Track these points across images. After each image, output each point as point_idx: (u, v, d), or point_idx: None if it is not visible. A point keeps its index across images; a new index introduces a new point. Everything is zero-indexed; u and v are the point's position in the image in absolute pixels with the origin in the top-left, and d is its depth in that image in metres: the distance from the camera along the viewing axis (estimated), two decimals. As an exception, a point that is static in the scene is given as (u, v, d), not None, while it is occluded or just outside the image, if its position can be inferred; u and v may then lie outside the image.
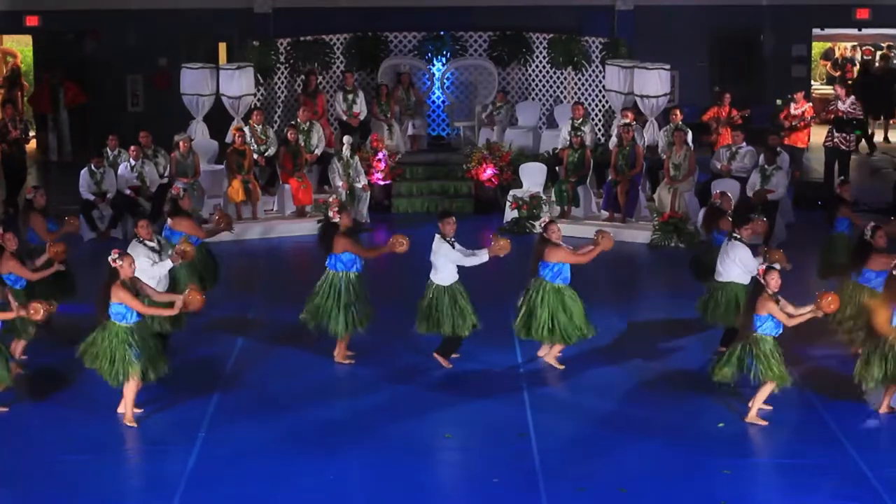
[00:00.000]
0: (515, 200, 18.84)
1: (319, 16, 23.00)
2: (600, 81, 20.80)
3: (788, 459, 10.75)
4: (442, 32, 22.10)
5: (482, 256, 12.54)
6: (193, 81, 20.00)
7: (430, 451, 11.00)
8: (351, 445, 10.99)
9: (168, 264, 12.39)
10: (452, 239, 12.60)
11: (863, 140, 24.01)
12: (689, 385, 12.40)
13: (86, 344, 11.33)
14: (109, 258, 11.20)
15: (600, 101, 20.97)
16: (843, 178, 17.03)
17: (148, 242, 12.70)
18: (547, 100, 21.91)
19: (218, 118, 20.18)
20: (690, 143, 18.80)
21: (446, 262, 12.56)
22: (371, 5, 23.28)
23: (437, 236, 12.63)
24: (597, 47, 21.07)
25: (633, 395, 12.25)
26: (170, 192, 15.00)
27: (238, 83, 19.93)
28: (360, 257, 12.82)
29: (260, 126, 19.65)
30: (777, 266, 11.48)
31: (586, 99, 21.01)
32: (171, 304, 11.36)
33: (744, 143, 18.84)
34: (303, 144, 19.46)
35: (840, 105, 20.65)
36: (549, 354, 12.89)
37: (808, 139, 22.27)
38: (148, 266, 12.25)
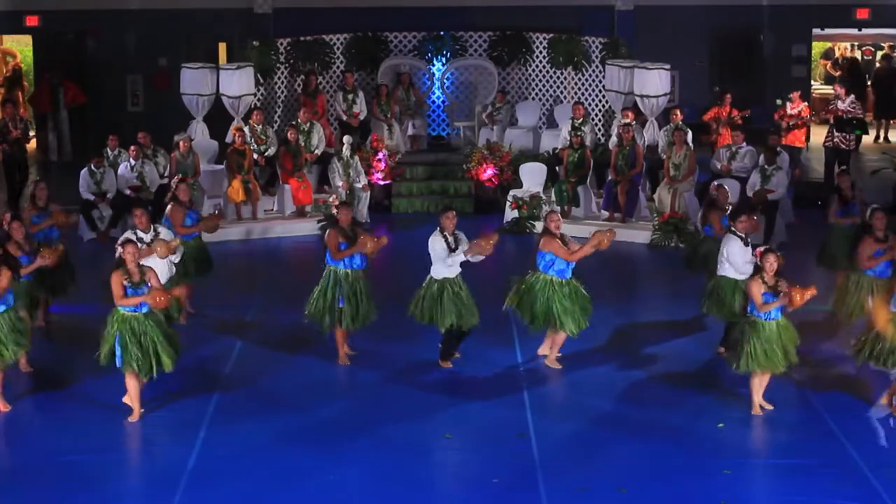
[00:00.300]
0: (515, 200, 18.85)
1: (319, 16, 22.99)
2: (600, 81, 20.80)
3: (788, 459, 10.75)
4: (442, 32, 22.10)
5: (457, 257, 12.53)
6: (193, 81, 20.01)
7: (430, 451, 11.00)
8: (351, 445, 10.99)
9: (153, 257, 12.31)
10: (455, 233, 12.55)
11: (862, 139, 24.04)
12: (688, 385, 12.40)
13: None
14: (117, 244, 11.38)
15: (600, 101, 20.97)
16: (843, 168, 17.05)
17: (140, 233, 12.68)
18: (547, 100, 21.91)
19: (218, 118, 20.18)
20: (690, 143, 18.81)
21: (434, 256, 12.61)
22: (371, 5, 23.27)
23: (437, 229, 12.62)
24: (597, 47, 21.07)
25: (633, 395, 12.25)
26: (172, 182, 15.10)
27: (238, 83, 19.93)
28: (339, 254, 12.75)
29: (260, 126, 19.66)
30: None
31: (586, 99, 21.01)
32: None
33: (744, 143, 18.84)
34: (303, 144, 19.47)
35: (840, 105, 20.65)
36: (551, 355, 12.88)
37: (808, 139, 22.30)
38: None
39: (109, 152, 19.00)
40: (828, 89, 26.80)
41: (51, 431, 11.38)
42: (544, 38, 21.72)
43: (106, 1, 23.85)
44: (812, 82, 26.45)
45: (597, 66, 20.99)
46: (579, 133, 19.21)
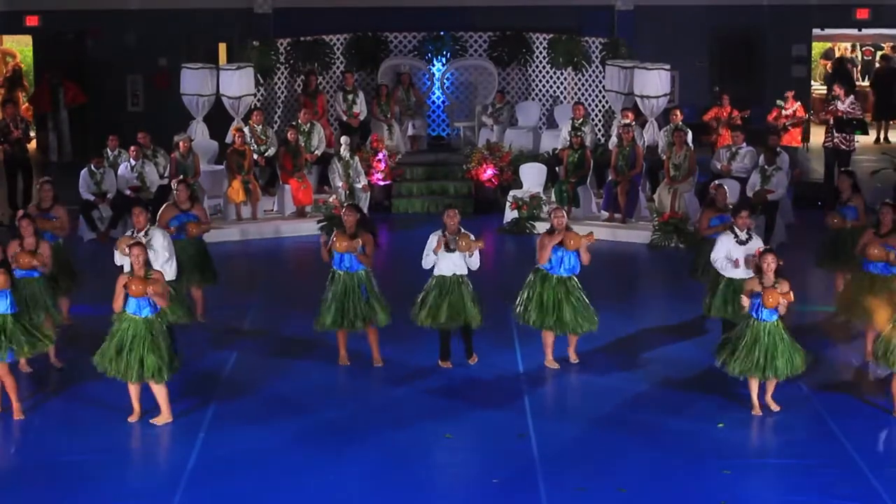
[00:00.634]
0: (515, 201, 18.85)
1: (319, 16, 23.00)
2: (600, 81, 20.80)
3: (788, 459, 10.75)
4: (442, 32, 22.10)
5: (428, 258, 12.53)
6: (193, 81, 20.01)
7: (431, 452, 10.99)
8: (351, 445, 10.99)
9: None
10: (459, 233, 12.53)
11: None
12: (688, 385, 12.40)
13: None
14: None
15: (600, 101, 20.97)
16: (844, 169, 17.06)
17: (137, 233, 12.67)
18: (547, 100, 21.91)
19: (218, 118, 20.18)
20: (690, 144, 18.81)
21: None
22: (371, 5, 23.28)
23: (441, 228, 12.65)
24: (597, 47, 21.07)
25: (633, 395, 12.24)
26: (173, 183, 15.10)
27: (238, 83, 19.93)
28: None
29: (260, 126, 19.66)
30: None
31: (586, 99, 21.00)
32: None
33: (744, 144, 18.84)
34: (303, 145, 19.47)
35: (839, 105, 20.64)
36: (571, 351, 12.93)
37: (808, 139, 22.32)
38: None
39: (109, 152, 19.00)
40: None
41: (51, 432, 11.37)
42: (544, 39, 21.72)
43: (106, 1, 23.86)
44: (812, 82, 26.46)
45: (597, 67, 20.99)
46: (579, 133, 19.21)
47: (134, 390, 11.41)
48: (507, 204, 19.00)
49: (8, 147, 20.00)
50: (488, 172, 19.60)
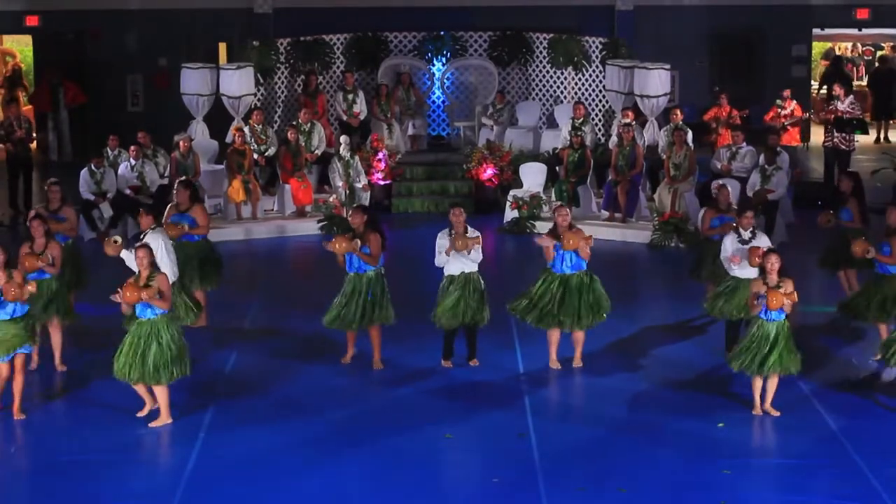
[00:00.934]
0: (515, 200, 18.85)
1: (319, 16, 22.99)
2: (600, 81, 20.80)
3: (788, 459, 10.75)
4: (442, 32, 22.10)
5: (440, 258, 12.57)
6: (193, 81, 20.01)
7: (431, 452, 10.99)
8: (351, 446, 10.99)
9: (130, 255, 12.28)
10: (465, 229, 12.52)
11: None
12: (688, 385, 12.40)
13: None
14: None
15: (600, 101, 20.96)
16: (846, 170, 17.09)
17: (142, 236, 12.68)
18: (547, 100, 21.91)
19: (218, 118, 20.18)
20: (690, 143, 18.81)
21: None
22: (371, 5, 23.29)
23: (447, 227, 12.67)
24: (597, 47, 21.07)
25: (633, 395, 12.24)
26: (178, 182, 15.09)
27: (238, 83, 19.93)
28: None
29: (260, 126, 19.67)
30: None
31: (586, 99, 21.00)
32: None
33: (744, 143, 18.84)
34: (303, 144, 19.47)
35: (839, 105, 20.64)
36: (577, 354, 12.93)
37: (807, 139, 22.32)
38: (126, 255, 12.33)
39: (109, 152, 19.01)
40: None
41: (51, 432, 11.38)
42: (544, 38, 21.72)
43: (106, 1, 23.87)
44: (812, 82, 26.46)
45: (597, 66, 20.98)
46: (579, 133, 19.21)
47: (140, 388, 11.41)
48: (508, 204, 19.00)
49: (11, 147, 20.00)
50: (488, 172, 19.60)
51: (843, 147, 20.52)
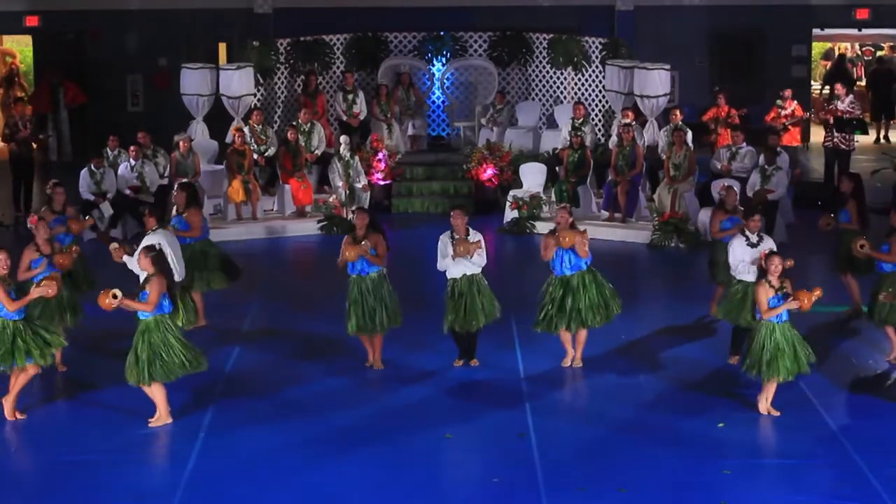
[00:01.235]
0: (515, 200, 18.84)
1: (319, 16, 22.99)
2: (600, 81, 20.79)
3: (788, 459, 10.75)
4: (442, 32, 22.09)
5: (444, 262, 12.57)
6: (193, 81, 20.01)
7: (431, 452, 10.99)
8: (351, 446, 10.98)
9: (134, 261, 12.29)
10: (467, 231, 12.53)
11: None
12: (688, 385, 12.40)
13: None
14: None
15: (600, 101, 20.96)
16: (848, 171, 17.09)
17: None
18: (547, 100, 21.91)
19: (218, 118, 20.18)
20: (690, 143, 18.81)
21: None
22: (371, 5, 23.29)
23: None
24: (597, 47, 21.06)
25: (633, 395, 12.24)
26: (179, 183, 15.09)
27: (238, 83, 19.93)
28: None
29: (260, 126, 19.67)
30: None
31: (586, 99, 21.00)
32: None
33: (744, 144, 18.84)
34: (303, 144, 19.47)
35: (839, 105, 20.64)
36: (577, 355, 12.93)
37: (808, 139, 22.30)
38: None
39: (109, 152, 19.01)
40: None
41: (51, 433, 11.37)
42: (544, 39, 21.71)
43: (106, 1, 23.87)
44: (812, 82, 26.46)
45: (597, 67, 20.98)
46: (579, 133, 19.22)
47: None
48: (507, 204, 19.00)
49: (15, 147, 19.98)
50: (488, 172, 19.60)
51: (843, 147, 20.52)
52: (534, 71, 21.96)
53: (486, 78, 21.97)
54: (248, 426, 11.43)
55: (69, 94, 23.94)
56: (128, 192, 18.43)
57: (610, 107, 20.45)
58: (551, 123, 21.42)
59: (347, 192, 18.76)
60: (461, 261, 12.51)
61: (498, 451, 10.89)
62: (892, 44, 27.15)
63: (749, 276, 12.34)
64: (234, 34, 23.86)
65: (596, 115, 20.97)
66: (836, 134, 20.53)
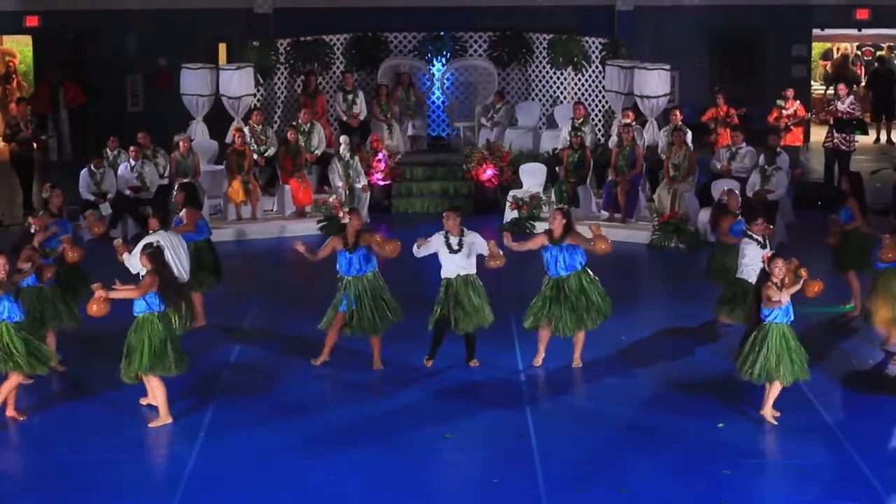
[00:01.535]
0: (515, 201, 18.84)
1: (319, 16, 22.99)
2: (600, 82, 20.79)
3: (788, 459, 10.76)
4: (442, 33, 22.09)
5: (419, 252, 12.69)
6: (193, 81, 20.00)
7: (431, 452, 10.99)
8: (351, 446, 10.99)
9: (133, 259, 12.31)
10: (463, 235, 12.54)
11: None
12: (688, 385, 12.40)
13: None
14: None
15: (600, 101, 20.96)
16: (848, 171, 17.11)
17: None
18: (547, 100, 21.91)
19: (218, 118, 20.18)
20: (690, 144, 18.81)
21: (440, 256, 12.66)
22: (371, 5, 23.29)
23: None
24: (597, 47, 21.06)
25: (633, 395, 12.25)
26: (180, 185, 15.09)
27: (238, 83, 19.92)
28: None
29: (260, 126, 19.67)
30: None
31: (586, 99, 21.00)
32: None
33: (744, 144, 18.85)
34: (303, 145, 19.47)
35: (839, 105, 20.63)
36: (576, 355, 12.94)
37: (808, 139, 22.29)
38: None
39: (109, 153, 19.02)
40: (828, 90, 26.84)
41: (52, 433, 11.38)
42: (544, 39, 21.71)
43: (106, 1, 23.86)
44: (812, 82, 26.45)
45: (597, 67, 20.98)
46: (579, 133, 19.21)
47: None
48: (507, 204, 19.00)
49: (16, 147, 19.97)
50: (488, 172, 19.60)
51: (843, 147, 20.51)
52: (534, 71, 21.96)
53: (485, 78, 21.97)
54: (247, 426, 11.42)
55: (69, 94, 23.93)
56: (128, 192, 18.43)
57: (610, 107, 20.45)
58: (551, 123, 21.42)
59: (347, 192, 18.76)
60: (454, 259, 12.53)
61: (498, 451, 10.89)
62: (890, 44, 27.13)
63: (754, 276, 12.36)
64: (234, 34, 23.86)
65: (596, 116, 20.97)
66: (836, 134, 20.52)
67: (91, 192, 18.36)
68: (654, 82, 19.32)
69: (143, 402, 11.73)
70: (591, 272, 12.72)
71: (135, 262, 12.15)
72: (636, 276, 17.12)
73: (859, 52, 28.16)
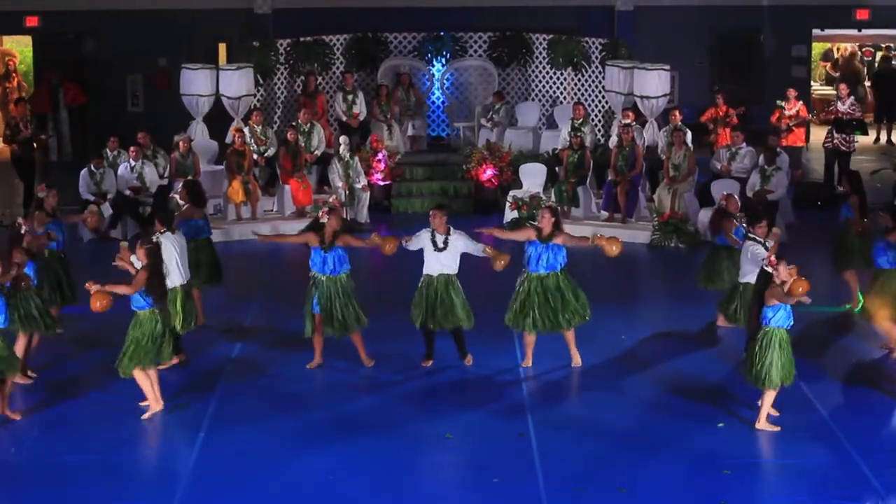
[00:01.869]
0: (515, 201, 18.84)
1: (319, 16, 23.01)
2: (600, 82, 20.80)
3: (788, 459, 10.75)
4: (442, 33, 22.10)
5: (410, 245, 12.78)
6: (193, 81, 20.01)
7: (431, 451, 10.99)
8: (351, 445, 10.99)
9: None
10: (449, 233, 12.55)
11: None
12: (688, 385, 12.40)
13: None
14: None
15: (600, 101, 20.96)
16: (848, 170, 17.13)
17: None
18: (547, 100, 21.91)
19: (218, 118, 20.19)
20: (690, 144, 18.82)
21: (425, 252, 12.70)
22: (371, 5, 23.30)
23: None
24: (597, 48, 21.07)
25: (633, 395, 12.25)
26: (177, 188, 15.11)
27: (238, 84, 19.93)
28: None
29: (259, 126, 19.67)
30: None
31: (586, 99, 21.00)
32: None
33: (744, 144, 18.85)
34: (303, 145, 19.47)
35: (840, 105, 20.63)
36: (573, 353, 12.94)
37: (808, 139, 22.28)
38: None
39: (109, 153, 19.03)
40: (827, 90, 26.82)
41: (52, 431, 11.38)
42: (544, 39, 21.72)
43: (106, 1, 23.86)
44: (812, 83, 26.45)
45: (597, 67, 20.98)
46: (579, 134, 19.22)
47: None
48: (507, 204, 19.00)
49: (17, 147, 19.96)
50: (488, 172, 19.61)
51: (844, 148, 20.51)
52: (533, 71, 21.96)
53: (485, 78, 21.97)
54: (247, 426, 11.42)
55: (69, 94, 23.94)
56: (128, 192, 18.43)
57: (610, 107, 20.45)
58: (551, 124, 21.43)
59: (347, 192, 18.76)
60: (439, 258, 12.58)
61: (498, 451, 10.89)
62: (890, 44, 27.11)
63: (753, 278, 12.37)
64: (234, 34, 23.87)
65: (596, 116, 20.97)
66: (836, 135, 20.52)
67: (91, 192, 18.36)
68: (654, 82, 19.32)
69: (144, 403, 11.73)
70: (570, 275, 12.68)
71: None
72: (636, 276, 17.12)
73: (859, 53, 28.16)
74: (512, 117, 21.71)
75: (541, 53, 21.78)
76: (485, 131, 21.16)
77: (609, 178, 18.83)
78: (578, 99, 20.90)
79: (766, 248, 12.54)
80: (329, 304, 12.57)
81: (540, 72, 21.89)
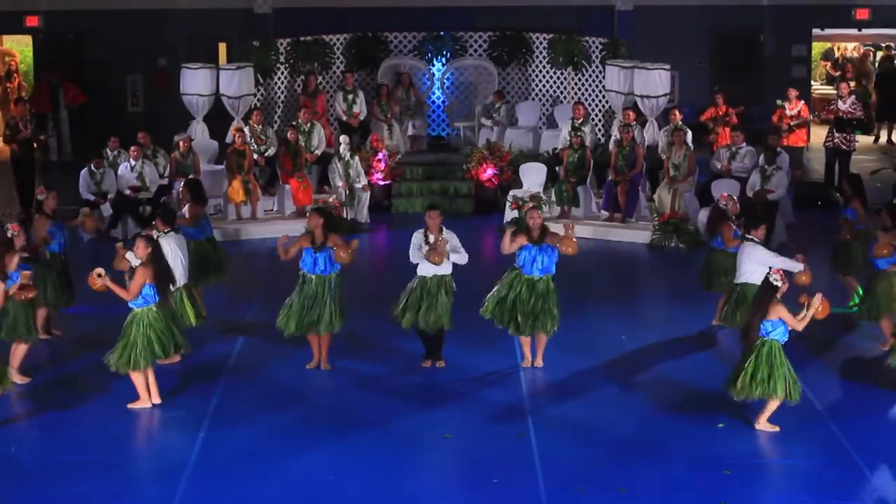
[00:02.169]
0: (515, 200, 18.83)
1: (319, 16, 23.02)
2: (600, 81, 20.79)
3: (788, 459, 10.76)
4: (442, 32, 22.10)
5: (416, 255, 12.62)
6: (193, 81, 20.01)
7: (431, 451, 10.99)
8: (351, 445, 10.99)
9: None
10: (442, 233, 12.55)
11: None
12: (688, 385, 12.40)
13: None
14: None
15: (600, 101, 20.96)
16: (848, 172, 17.13)
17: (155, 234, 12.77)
18: (547, 100, 21.91)
19: (218, 118, 20.19)
20: (690, 144, 18.81)
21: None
22: (371, 5, 23.31)
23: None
24: (597, 47, 21.07)
25: (633, 395, 12.25)
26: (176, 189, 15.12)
27: (238, 83, 19.93)
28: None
29: (260, 126, 19.67)
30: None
31: (586, 99, 21.00)
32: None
33: (744, 144, 18.85)
34: (303, 145, 19.47)
35: (840, 105, 20.63)
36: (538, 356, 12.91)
37: (808, 138, 22.28)
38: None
39: (109, 153, 19.02)
40: (828, 90, 26.81)
41: (52, 431, 11.37)
42: (544, 39, 21.72)
43: (106, 1, 23.87)
44: (812, 83, 26.45)
45: (597, 67, 20.98)
46: (579, 133, 19.21)
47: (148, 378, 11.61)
48: (507, 204, 18.99)
49: (17, 147, 19.95)
50: (488, 172, 19.61)
51: (844, 148, 20.51)
52: (534, 71, 21.96)
53: (485, 78, 21.98)
54: (247, 426, 11.42)
55: (69, 94, 23.95)
56: (128, 192, 18.43)
57: (610, 107, 20.45)
58: (551, 123, 21.43)
59: (347, 192, 18.76)
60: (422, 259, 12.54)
61: (498, 451, 10.89)
62: (890, 44, 27.12)
63: (756, 279, 12.35)
64: (234, 34, 23.89)
65: (596, 116, 20.97)
66: (836, 134, 20.52)
67: (91, 192, 18.36)
68: (654, 82, 19.32)
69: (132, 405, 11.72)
70: (553, 281, 12.66)
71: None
72: (636, 276, 17.12)
73: (871, 55, 28.16)
74: (512, 117, 21.71)
75: (541, 53, 21.78)
76: (485, 131, 21.16)
77: (609, 177, 18.83)
78: (579, 98, 20.90)
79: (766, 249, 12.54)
80: (312, 301, 12.57)
81: (540, 71, 21.90)
